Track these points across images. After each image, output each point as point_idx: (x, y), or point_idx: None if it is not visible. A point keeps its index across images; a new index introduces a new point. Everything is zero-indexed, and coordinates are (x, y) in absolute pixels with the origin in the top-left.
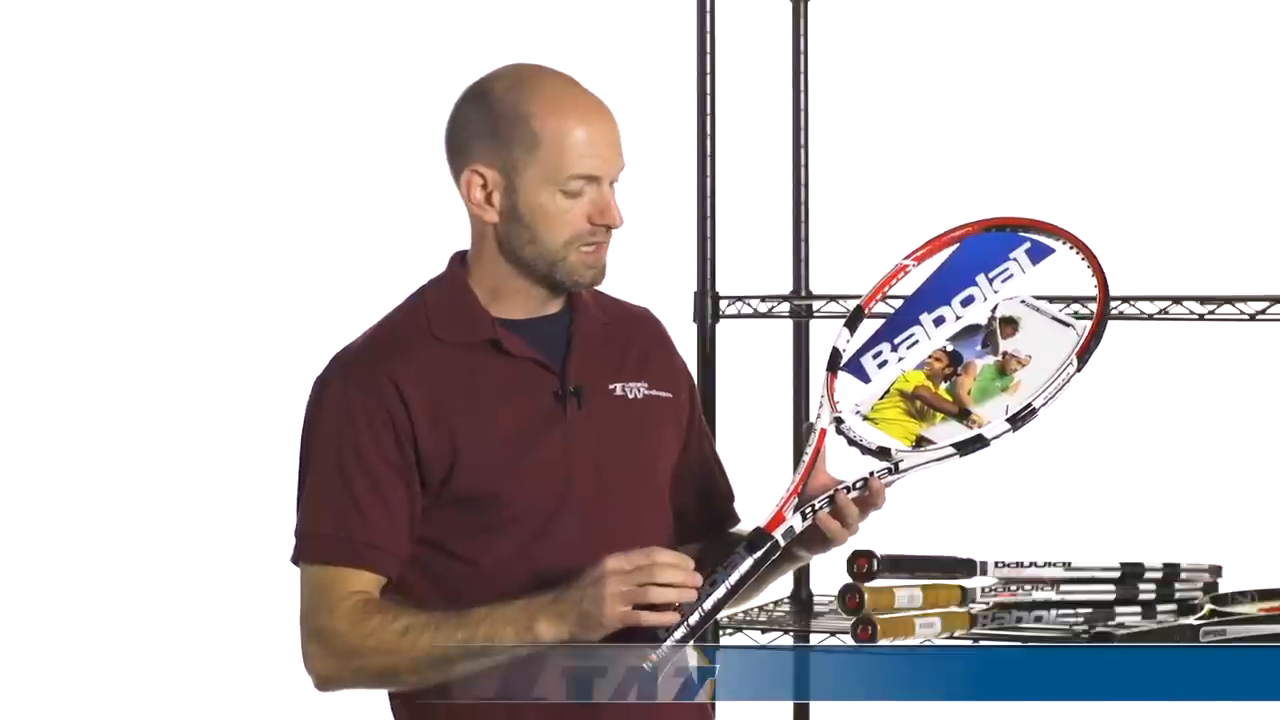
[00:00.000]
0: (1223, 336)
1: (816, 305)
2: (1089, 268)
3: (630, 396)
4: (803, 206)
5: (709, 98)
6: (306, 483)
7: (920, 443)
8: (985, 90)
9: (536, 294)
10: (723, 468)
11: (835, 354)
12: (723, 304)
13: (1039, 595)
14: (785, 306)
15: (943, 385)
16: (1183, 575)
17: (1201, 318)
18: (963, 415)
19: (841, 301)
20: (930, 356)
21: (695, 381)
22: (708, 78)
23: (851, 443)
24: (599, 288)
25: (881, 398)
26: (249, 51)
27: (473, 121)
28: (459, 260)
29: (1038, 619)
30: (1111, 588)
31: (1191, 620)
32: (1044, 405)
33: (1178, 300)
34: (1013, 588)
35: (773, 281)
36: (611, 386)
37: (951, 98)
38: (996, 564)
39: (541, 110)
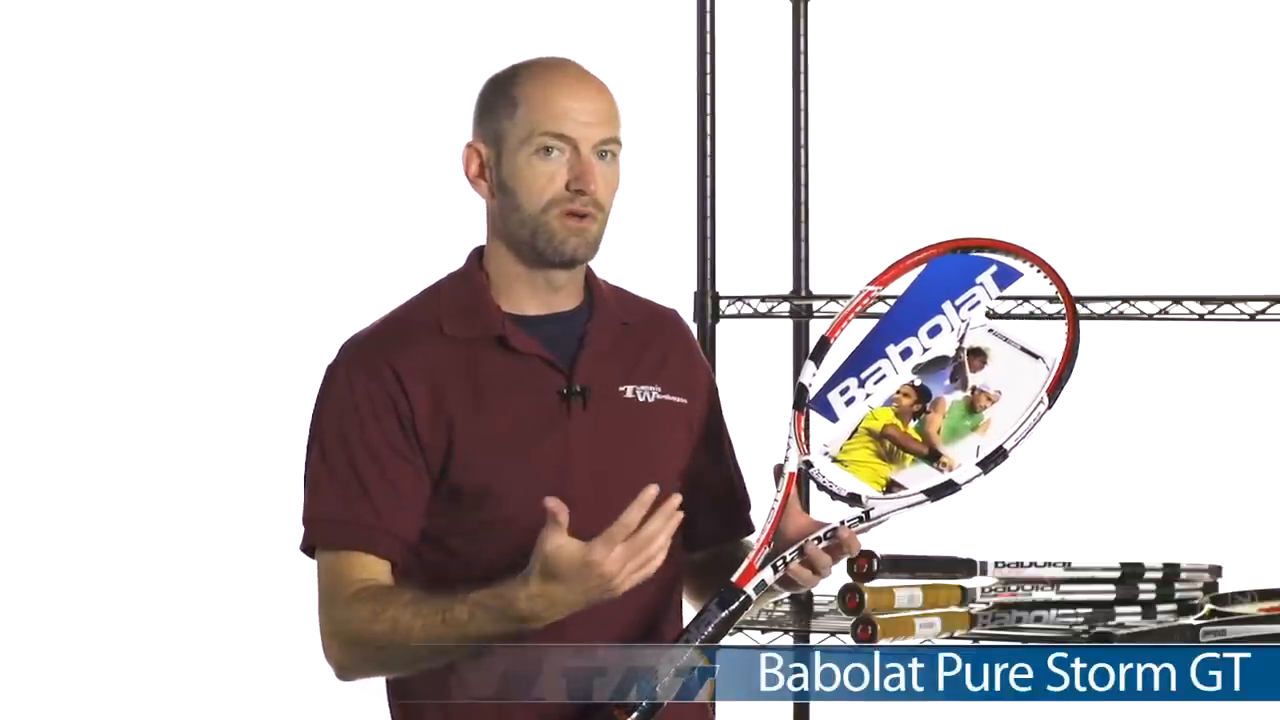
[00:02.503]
0: (1223, 336)
1: (816, 305)
2: (1057, 293)
3: (640, 399)
4: (803, 206)
5: (709, 98)
6: (314, 468)
7: (891, 487)
8: (985, 90)
9: (541, 283)
10: (741, 475)
11: (802, 390)
12: (723, 304)
13: (1039, 595)
14: (785, 306)
15: (912, 424)
16: (1183, 575)
17: (1201, 318)
18: (933, 457)
19: (841, 301)
20: (898, 392)
21: (716, 386)
22: (708, 78)
23: (821, 487)
24: (624, 285)
25: (850, 437)
26: (269, 49)
27: (476, 104)
28: (476, 255)
29: (1038, 619)
30: (1111, 588)
31: (1191, 620)
32: (1015, 446)
33: (1178, 300)
34: (1013, 588)
35: (773, 281)
36: (622, 388)
37: (951, 97)
38: (996, 564)
39: (525, 79)
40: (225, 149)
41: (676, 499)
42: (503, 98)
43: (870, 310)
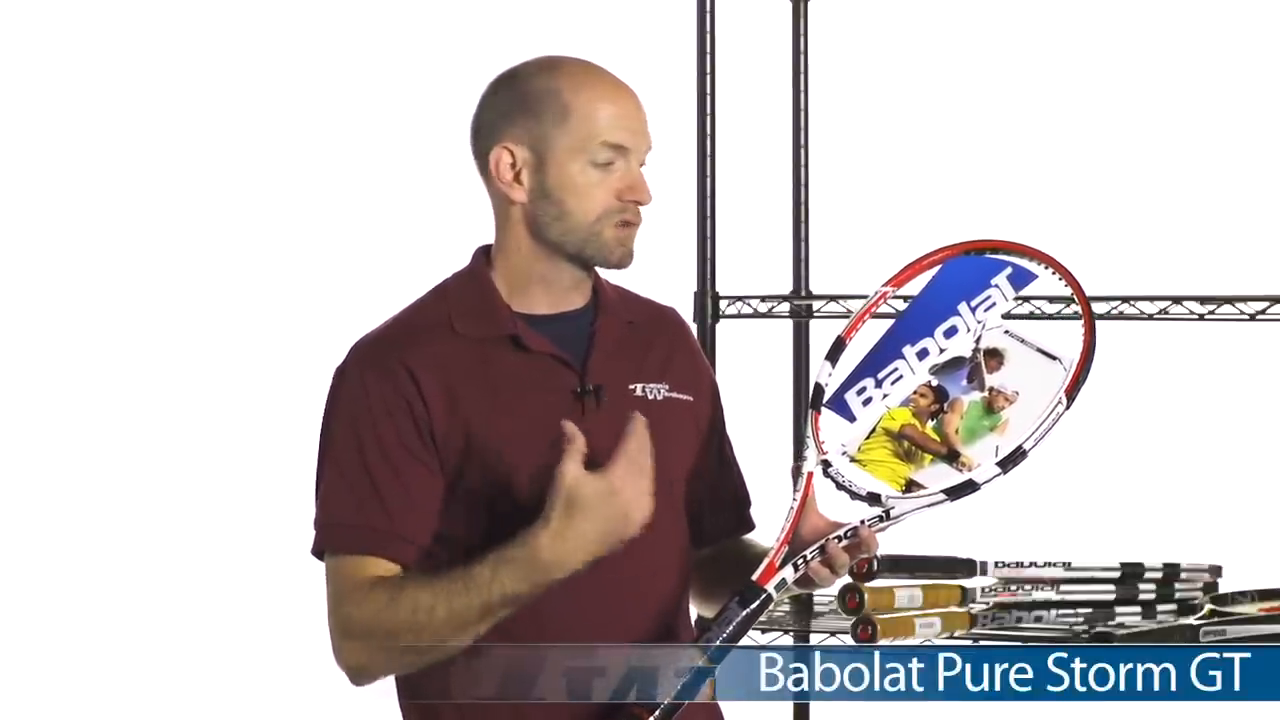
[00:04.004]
0: (1223, 336)
1: (816, 305)
2: (1073, 295)
3: (650, 397)
4: (803, 206)
5: (709, 98)
6: (326, 471)
7: (910, 486)
8: (985, 90)
9: (560, 283)
10: (740, 473)
11: (819, 390)
12: (723, 304)
13: (1039, 595)
14: (785, 306)
15: (930, 424)
16: (1183, 575)
17: (1201, 318)
18: (951, 456)
19: (841, 301)
20: (915, 392)
21: (717, 384)
22: (708, 78)
23: (840, 487)
24: (625, 285)
25: (868, 437)
26: (274, 50)
27: (501, 103)
28: (483, 254)
29: (1038, 619)
30: (1111, 588)
31: (1191, 620)
32: (1034, 446)
33: (1178, 300)
34: (1013, 588)
35: (773, 281)
36: (632, 386)
37: (951, 97)
38: (996, 564)
39: (571, 85)
40: (230, 150)
41: (639, 416)
42: (548, 102)
43: (882, 310)
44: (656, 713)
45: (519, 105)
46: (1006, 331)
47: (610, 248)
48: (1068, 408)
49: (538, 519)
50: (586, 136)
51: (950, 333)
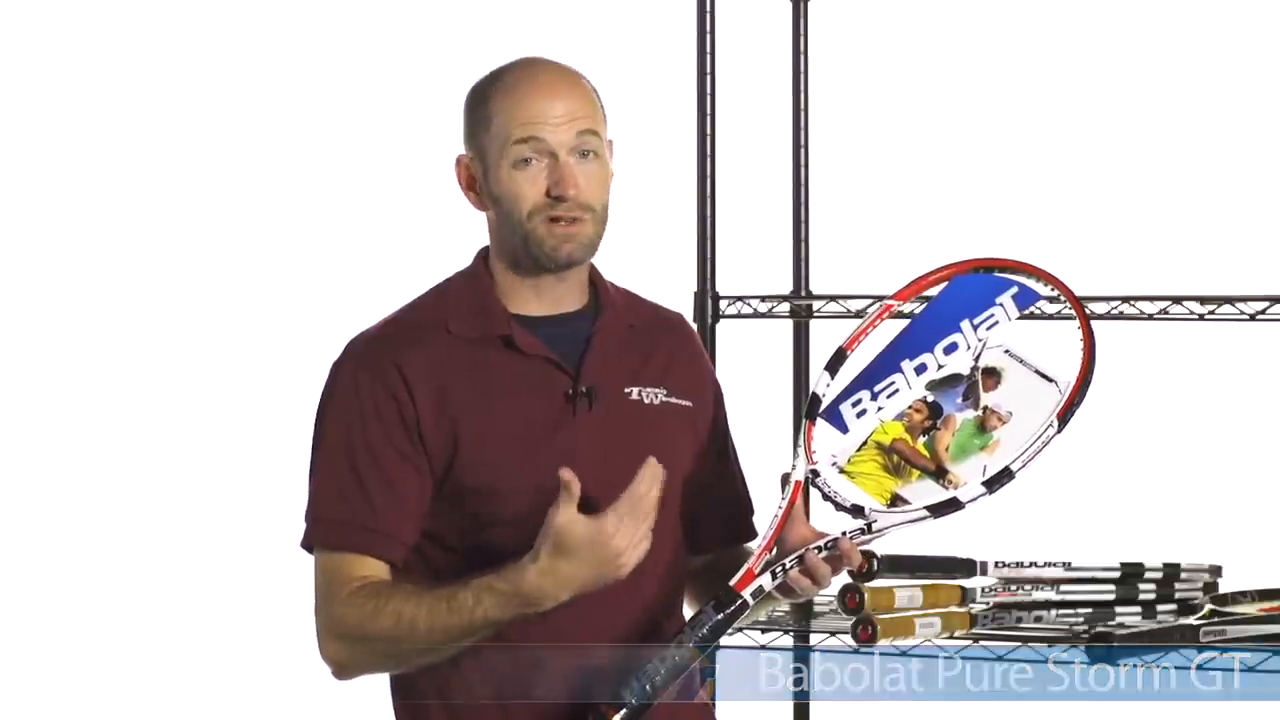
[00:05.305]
0: (1223, 336)
1: (816, 305)
2: (1075, 320)
3: (646, 401)
4: (803, 206)
5: (709, 98)
6: (317, 466)
7: (895, 501)
8: (985, 89)
9: (546, 286)
10: (745, 481)
11: (815, 400)
12: (723, 304)
13: (1039, 595)
14: (785, 306)
15: (921, 440)
16: (1183, 575)
17: (1201, 318)
18: (939, 473)
19: (841, 301)
20: (910, 407)
21: (722, 391)
22: (708, 78)
23: (826, 497)
24: (625, 285)
25: (859, 449)
26: (273, 50)
27: (464, 115)
28: (483, 255)
29: (1038, 619)
30: (1111, 588)
31: (1191, 620)
32: (1021, 468)
33: (1178, 300)
34: (1013, 588)
35: (773, 281)
36: (627, 390)
37: (952, 97)
38: (996, 564)
39: (497, 90)
40: (230, 149)
41: (656, 463)
42: (480, 111)
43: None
44: (623, 712)
45: (467, 118)
46: (1006, 351)
47: (550, 245)
48: (1059, 431)
49: (527, 553)
50: (504, 139)
51: (950, 349)
